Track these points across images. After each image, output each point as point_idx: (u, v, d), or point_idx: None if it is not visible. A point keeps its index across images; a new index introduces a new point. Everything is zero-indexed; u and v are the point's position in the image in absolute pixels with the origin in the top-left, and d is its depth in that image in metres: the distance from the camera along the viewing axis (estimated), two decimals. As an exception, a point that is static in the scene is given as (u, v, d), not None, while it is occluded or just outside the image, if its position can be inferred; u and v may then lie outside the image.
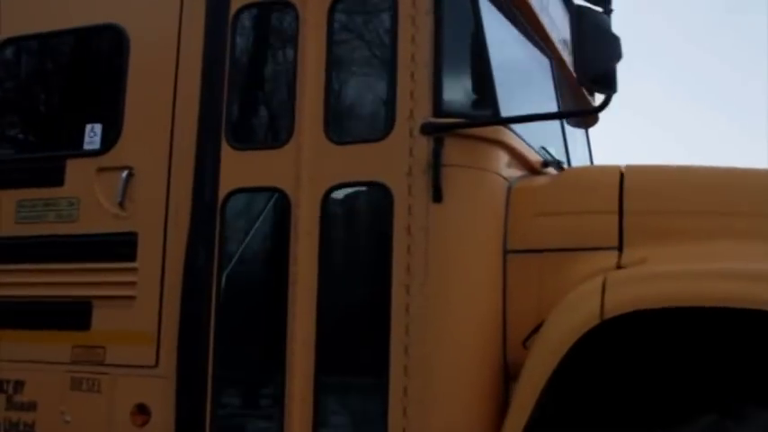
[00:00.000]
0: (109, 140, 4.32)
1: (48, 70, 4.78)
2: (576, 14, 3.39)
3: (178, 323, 3.97)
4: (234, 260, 4.04)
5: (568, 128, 5.28)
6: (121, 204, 4.21)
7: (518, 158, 3.98)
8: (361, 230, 4.10)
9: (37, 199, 4.40)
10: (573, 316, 3.36)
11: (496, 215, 3.77)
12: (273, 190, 3.98)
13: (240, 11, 4.13)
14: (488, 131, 3.77)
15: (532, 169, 4.14)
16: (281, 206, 3.94)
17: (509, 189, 3.84)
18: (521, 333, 3.62)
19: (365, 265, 3.95)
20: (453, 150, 3.68)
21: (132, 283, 4.14)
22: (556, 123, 5.01)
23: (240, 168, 4.00)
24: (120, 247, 4.18)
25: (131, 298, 4.13)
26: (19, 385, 4.29)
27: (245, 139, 4.16)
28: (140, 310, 4.10)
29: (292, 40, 4.03)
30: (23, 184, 4.45)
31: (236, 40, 4.14)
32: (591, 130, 6.19)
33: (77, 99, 4.64)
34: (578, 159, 5.44)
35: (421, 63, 3.74)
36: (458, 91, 3.83)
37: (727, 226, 3.53)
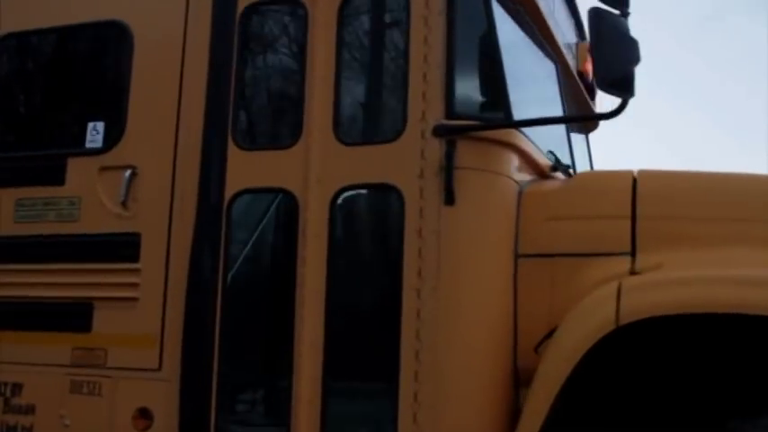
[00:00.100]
0: (111, 139, 4.25)
1: (49, 67, 4.69)
2: (595, 16, 3.35)
3: (182, 325, 3.90)
4: (240, 262, 3.98)
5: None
6: (124, 204, 4.14)
7: (529, 162, 3.95)
8: (371, 233, 4.06)
9: (36, 198, 4.32)
10: (588, 322, 3.32)
11: (508, 219, 3.73)
12: (281, 191, 3.92)
13: (248, 9, 4.07)
14: (501, 134, 3.73)
15: (542, 173, 4.10)
16: (289, 208, 3.88)
17: (520, 193, 3.80)
18: (531, 338, 3.59)
19: (375, 269, 3.91)
20: (466, 153, 3.64)
21: (135, 285, 4.06)
22: (561, 128, 4.98)
23: (247, 169, 3.94)
24: (122, 248, 4.11)
25: (134, 300, 4.06)
26: (17, 388, 4.21)
27: (252, 139, 4.12)
28: (143, 312, 4.03)
29: (301, 38, 3.98)
30: (23, 182, 4.37)
31: (244, 38, 4.09)
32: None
33: (79, 96, 4.55)
34: (580, 165, 5.42)
35: (433, 64, 3.70)
36: (470, 93, 3.80)
37: (741, 232, 3.51)
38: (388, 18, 4.00)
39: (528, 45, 4.47)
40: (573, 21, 5.33)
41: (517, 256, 3.72)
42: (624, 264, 3.55)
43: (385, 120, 3.99)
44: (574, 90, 5.22)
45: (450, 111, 3.67)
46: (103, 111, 4.35)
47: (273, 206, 4.04)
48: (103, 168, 4.22)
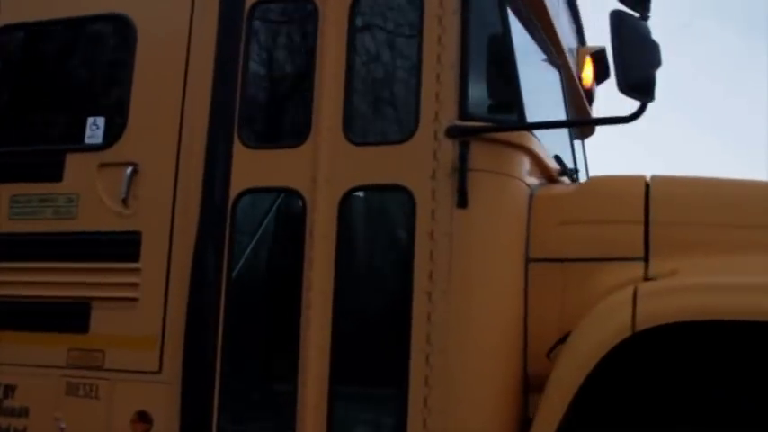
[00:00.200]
0: (112, 135, 4.15)
1: (48, 59, 4.56)
2: (617, 19, 3.31)
3: (184, 327, 3.80)
4: (245, 263, 3.89)
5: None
6: (125, 202, 4.03)
7: (539, 166, 3.91)
8: (381, 235, 3.98)
9: (32, 194, 4.20)
10: (603, 327, 3.29)
11: (520, 222, 3.68)
12: (288, 191, 3.85)
13: (256, 4, 3.99)
14: (514, 136, 3.69)
15: (550, 177, 4.07)
16: (296, 208, 3.80)
17: (531, 196, 3.76)
18: (542, 343, 3.55)
19: (384, 271, 3.85)
20: (479, 155, 3.59)
21: (135, 285, 3.96)
22: (564, 133, 4.96)
23: (253, 167, 3.86)
24: (122, 247, 4.01)
25: (134, 300, 3.95)
26: (10, 389, 4.08)
27: (258, 138, 4.02)
28: (143, 313, 3.93)
29: (311, 35, 3.91)
30: (18, 178, 4.25)
31: (252, 33, 4.00)
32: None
33: (79, 91, 4.44)
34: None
35: (447, 64, 3.65)
36: (484, 94, 3.74)
37: (755, 239, 3.50)
38: (400, 17, 3.93)
39: (535, 48, 4.44)
40: (574, 26, 5.31)
41: (528, 261, 3.68)
42: (637, 269, 3.52)
43: (396, 120, 3.92)
44: (574, 95, 5.19)
45: (464, 112, 3.61)
46: (104, 106, 4.25)
47: (280, 206, 3.96)
48: (103, 165, 4.11)
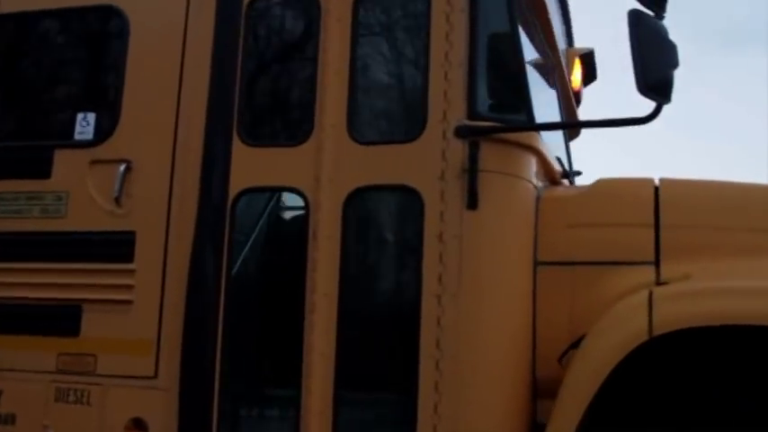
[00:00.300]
0: (103, 131, 3.99)
1: (36, 52, 4.37)
2: (635, 19, 3.26)
3: (181, 331, 3.66)
4: (245, 265, 3.78)
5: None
6: (118, 201, 3.88)
7: (545, 167, 3.85)
8: (387, 236, 3.89)
9: (19, 192, 4.03)
10: (618, 332, 3.24)
11: (528, 225, 3.62)
12: (290, 190, 3.74)
13: None
14: (523, 137, 3.62)
15: (553, 179, 4.02)
16: (298, 208, 3.70)
17: (538, 198, 3.70)
18: (551, 347, 3.50)
19: (391, 274, 3.77)
20: (488, 155, 3.51)
21: (129, 287, 3.81)
22: (559, 135, 4.92)
23: (253, 166, 3.73)
24: (115, 247, 3.85)
25: (128, 302, 3.80)
26: None
27: (259, 135, 3.89)
28: (138, 316, 3.78)
29: (313, 31, 3.79)
30: (3, 174, 4.07)
31: (251, 28, 3.88)
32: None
33: (68, 84, 4.28)
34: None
35: (455, 63, 3.57)
36: (492, 93, 3.66)
37: (764, 242, 3.47)
38: (406, 13, 3.85)
39: (534, 47, 4.38)
40: (564, 27, 5.27)
41: (536, 264, 3.61)
42: (648, 273, 3.48)
43: (403, 119, 3.83)
44: (564, 96, 5.16)
45: (473, 111, 3.54)
46: (95, 101, 4.10)
47: (281, 206, 3.84)
48: (94, 162, 3.95)
